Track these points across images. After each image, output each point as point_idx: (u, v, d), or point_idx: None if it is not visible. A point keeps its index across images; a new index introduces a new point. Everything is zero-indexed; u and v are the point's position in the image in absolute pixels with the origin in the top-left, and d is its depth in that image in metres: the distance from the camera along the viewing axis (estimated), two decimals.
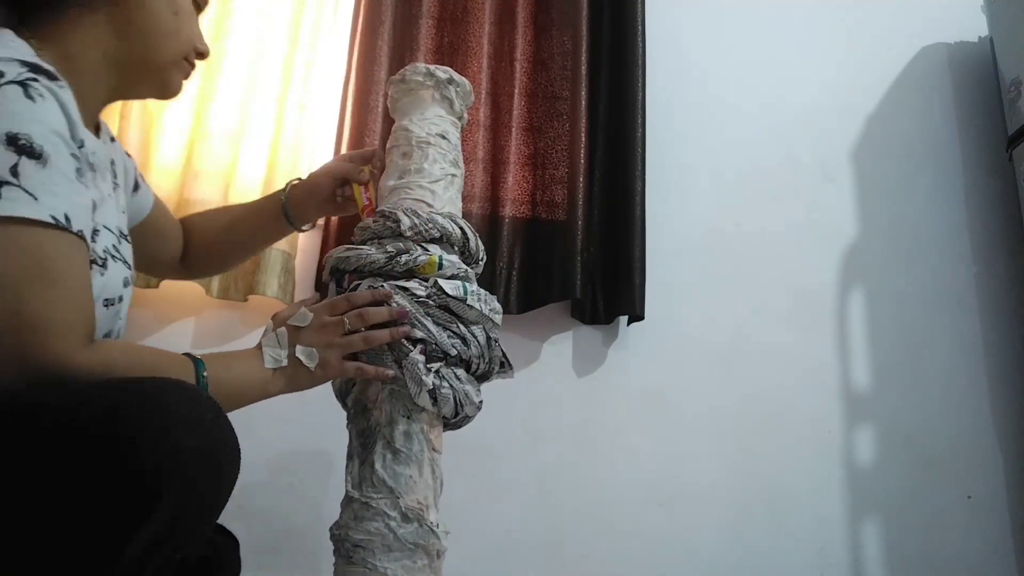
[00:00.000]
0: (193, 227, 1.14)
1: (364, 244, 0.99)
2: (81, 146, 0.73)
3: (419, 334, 0.90)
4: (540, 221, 1.67)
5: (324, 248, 1.60)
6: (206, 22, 1.63)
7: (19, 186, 0.64)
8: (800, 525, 1.62)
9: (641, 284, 1.62)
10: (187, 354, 0.76)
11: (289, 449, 1.54)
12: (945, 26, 2.00)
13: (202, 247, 1.13)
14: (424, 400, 0.91)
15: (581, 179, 1.66)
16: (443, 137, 1.04)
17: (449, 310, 0.94)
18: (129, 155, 1.00)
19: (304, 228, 1.14)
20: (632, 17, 1.76)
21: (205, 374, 0.75)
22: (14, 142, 0.64)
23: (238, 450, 0.66)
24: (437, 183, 1.02)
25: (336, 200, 1.12)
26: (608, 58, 1.77)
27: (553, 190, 1.68)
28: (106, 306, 0.79)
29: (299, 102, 1.65)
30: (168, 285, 1.53)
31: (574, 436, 1.63)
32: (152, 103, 1.58)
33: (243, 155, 1.61)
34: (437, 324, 0.92)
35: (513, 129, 1.67)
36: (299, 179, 1.13)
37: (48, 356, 0.63)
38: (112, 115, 1.57)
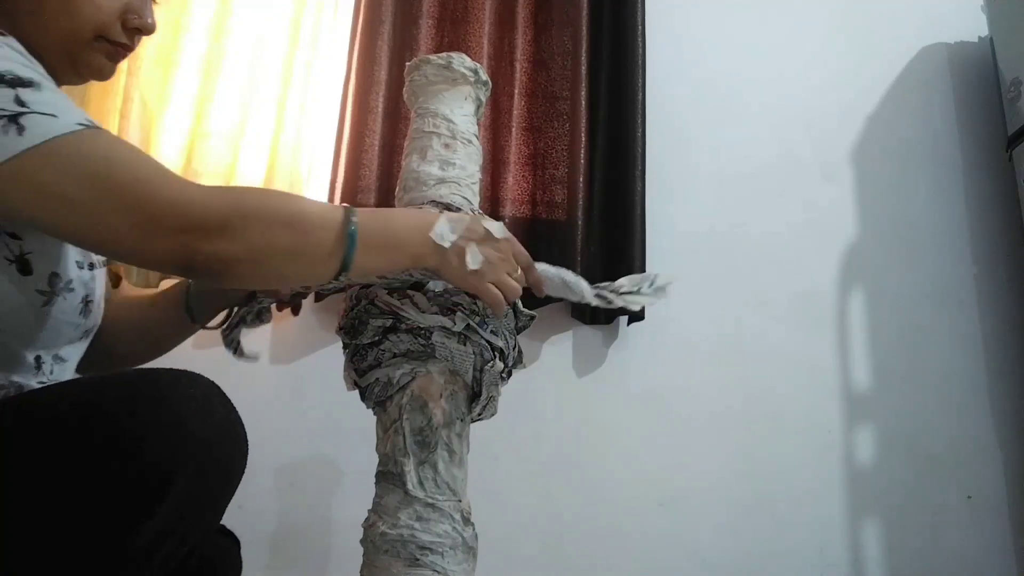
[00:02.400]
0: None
1: None
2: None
3: (500, 343, 0.89)
4: (540, 221, 1.67)
5: None
6: (206, 22, 1.63)
7: (33, 112, 0.63)
8: (800, 525, 1.62)
9: None
10: (344, 205, 0.74)
11: (291, 449, 1.54)
12: (945, 26, 2.00)
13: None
14: (493, 407, 0.91)
15: (581, 179, 1.65)
16: (476, 138, 1.02)
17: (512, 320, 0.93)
18: None
19: (209, 325, 0.96)
20: (632, 17, 1.76)
21: (355, 220, 0.72)
22: (2, 79, 0.64)
23: (246, 443, 0.66)
24: (474, 185, 0.99)
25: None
26: (608, 58, 1.76)
27: (553, 190, 1.68)
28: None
29: (299, 102, 1.65)
30: (167, 284, 1.53)
31: (574, 436, 1.63)
32: (152, 102, 1.58)
33: (243, 155, 1.62)
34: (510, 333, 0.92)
35: (513, 129, 1.67)
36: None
37: (168, 203, 0.64)
38: (112, 115, 1.57)
